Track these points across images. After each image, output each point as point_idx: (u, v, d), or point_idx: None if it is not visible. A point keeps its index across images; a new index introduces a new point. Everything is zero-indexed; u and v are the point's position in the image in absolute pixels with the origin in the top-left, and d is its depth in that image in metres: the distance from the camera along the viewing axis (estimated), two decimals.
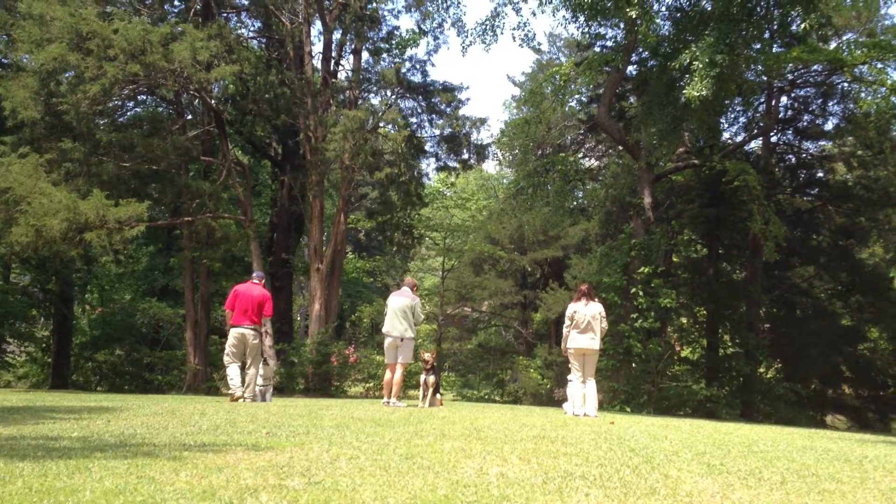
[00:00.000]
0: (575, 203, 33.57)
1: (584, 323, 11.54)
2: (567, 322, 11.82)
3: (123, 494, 3.43)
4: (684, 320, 28.35)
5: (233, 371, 12.39)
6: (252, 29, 26.85)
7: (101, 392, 23.43)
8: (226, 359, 12.57)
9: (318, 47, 24.64)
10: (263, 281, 13.22)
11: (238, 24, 26.00)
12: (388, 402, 11.99)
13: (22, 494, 3.37)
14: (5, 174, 17.70)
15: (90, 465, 4.26)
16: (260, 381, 12.94)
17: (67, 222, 16.96)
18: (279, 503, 3.36)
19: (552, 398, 26.11)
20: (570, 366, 11.97)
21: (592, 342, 11.52)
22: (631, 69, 24.59)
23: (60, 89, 19.08)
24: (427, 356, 12.77)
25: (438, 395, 12.93)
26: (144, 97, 24.41)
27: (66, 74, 19.19)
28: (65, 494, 3.38)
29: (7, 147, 19.37)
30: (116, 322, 28.86)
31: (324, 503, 3.40)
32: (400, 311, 12.04)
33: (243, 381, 12.40)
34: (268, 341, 21.54)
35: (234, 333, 12.35)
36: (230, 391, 12.44)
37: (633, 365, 21.30)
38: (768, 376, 26.97)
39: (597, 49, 25.84)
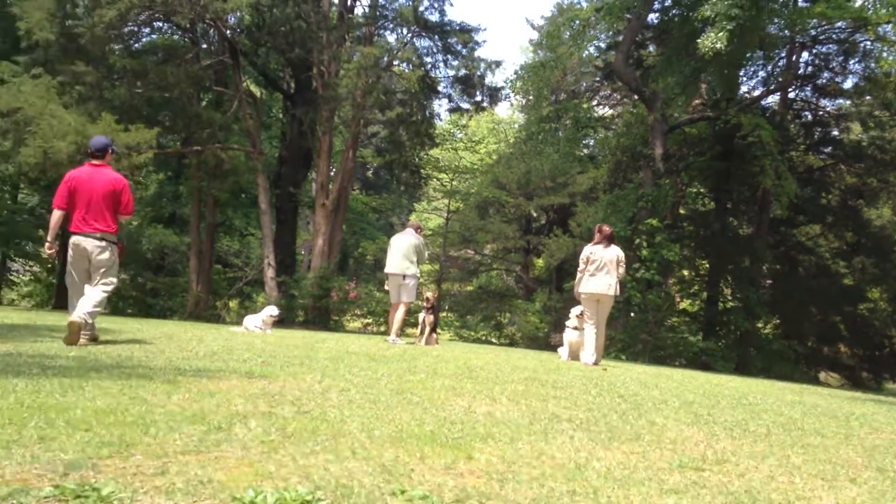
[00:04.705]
0: (585, 150, 33.43)
1: (602, 266, 10.68)
2: (581, 265, 10.91)
3: (114, 414, 3.48)
4: (686, 272, 28.40)
5: (75, 298, 8.19)
6: None
7: (104, 315, 23.60)
8: (66, 279, 8.36)
9: None
10: (112, 152, 8.47)
11: None
12: (390, 340, 12.07)
13: (13, 410, 3.42)
14: (17, 94, 17.71)
15: (84, 384, 4.32)
16: (88, 306, 7.89)
17: (76, 145, 16.88)
18: (267, 429, 3.40)
19: (548, 343, 26.27)
20: (570, 313, 11.36)
21: (609, 288, 10.65)
22: (652, 17, 24.25)
23: (77, 12, 18.89)
24: (429, 295, 12.91)
25: (435, 334, 13.07)
26: (160, 24, 24.08)
27: None
28: (56, 412, 3.43)
29: (20, 67, 19.33)
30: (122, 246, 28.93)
31: (311, 432, 3.45)
32: (403, 250, 12.03)
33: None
34: (270, 273, 21.68)
35: (71, 245, 8.06)
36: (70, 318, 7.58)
37: (632, 315, 21.41)
38: (765, 332, 27.08)
39: None
